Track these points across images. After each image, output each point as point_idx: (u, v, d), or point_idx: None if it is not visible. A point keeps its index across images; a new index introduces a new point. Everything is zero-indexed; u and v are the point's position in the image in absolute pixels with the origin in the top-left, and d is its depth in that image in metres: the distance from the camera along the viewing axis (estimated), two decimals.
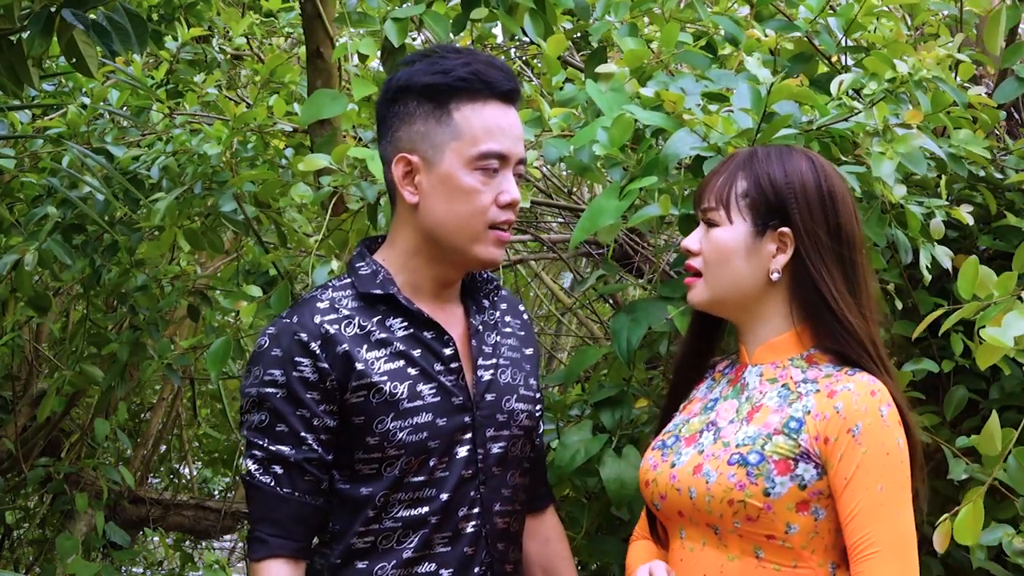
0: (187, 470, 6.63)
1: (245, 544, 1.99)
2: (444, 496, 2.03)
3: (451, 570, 2.03)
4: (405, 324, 2.05)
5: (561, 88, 2.54)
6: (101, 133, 3.40)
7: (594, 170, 2.36)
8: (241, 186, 3.03)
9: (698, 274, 2.03)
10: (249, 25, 3.97)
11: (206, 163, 3.11)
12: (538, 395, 2.23)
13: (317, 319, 2.01)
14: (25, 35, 2.48)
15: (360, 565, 2.02)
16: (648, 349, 2.74)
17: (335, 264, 2.51)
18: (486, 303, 2.16)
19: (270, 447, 1.99)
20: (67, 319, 5.00)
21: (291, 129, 3.42)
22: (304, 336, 1.99)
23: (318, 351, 1.98)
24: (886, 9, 2.71)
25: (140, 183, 3.23)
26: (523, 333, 2.23)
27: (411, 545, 2.02)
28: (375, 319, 2.03)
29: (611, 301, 3.99)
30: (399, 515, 2.02)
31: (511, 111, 2.04)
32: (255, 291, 2.74)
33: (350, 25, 2.70)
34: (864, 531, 1.86)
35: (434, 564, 2.03)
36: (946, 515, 1.71)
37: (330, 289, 2.07)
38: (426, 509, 2.02)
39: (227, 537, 6.37)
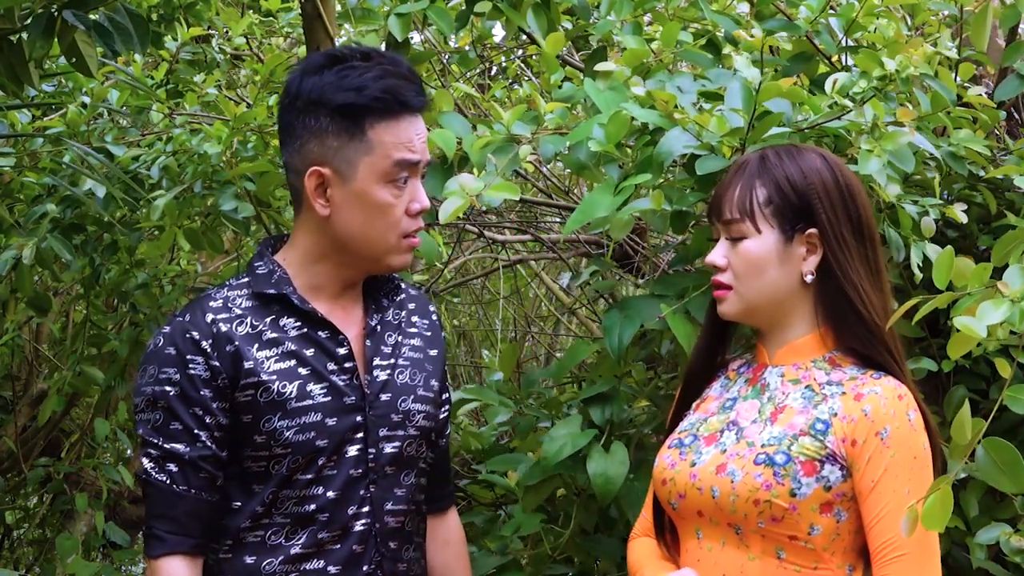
0: None
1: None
2: (332, 494, 2.04)
3: (339, 567, 2.04)
4: (299, 324, 2.06)
5: (559, 87, 2.54)
6: (101, 133, 3.40)
7: (591, 168, 2.36)
8: (241, 183, 3.03)
9: (727, 287, 2.01)
10: (248, 25, 3.97)
11: (206, 162, 3.11)
12: (444, 396, 2.25)
13: (209, 317, 2.03)
14: (26, 36, 2.48)
15: (248, 560, 2.04)
16: (645, 348, 2.74)
17: None
18: (385, 302, 2.17)
19: (164, 445, 2.01)
20: (67, 319, 5.00)
21: None
22: (196, 334, 2.01)
23: (209, 349, 2.00)
24: (887, 9, 2.70)
25: (140, 183, 3.23)
26: (429, 334, 2.23)
27: (299, 541, 2.03)
28: (268, 319, 2.05)
29: (609, 300, 4.00)
30: (288, 511, 2.03)
31: (419, 119, 2.06)
32: None
33: (354, 22, 2.70)
34: (890, 534, 1.87)
35: (322, 561, 2.04)
36: (912, 502, 1.75)
37: (226, 288, 2.09)
38: (314, 506, 2.03)
39: None
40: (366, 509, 2.06)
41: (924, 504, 1.72)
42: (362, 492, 2.06)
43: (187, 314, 2.05)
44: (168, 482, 2.01)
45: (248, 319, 2.04)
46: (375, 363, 2.10)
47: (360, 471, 2.06)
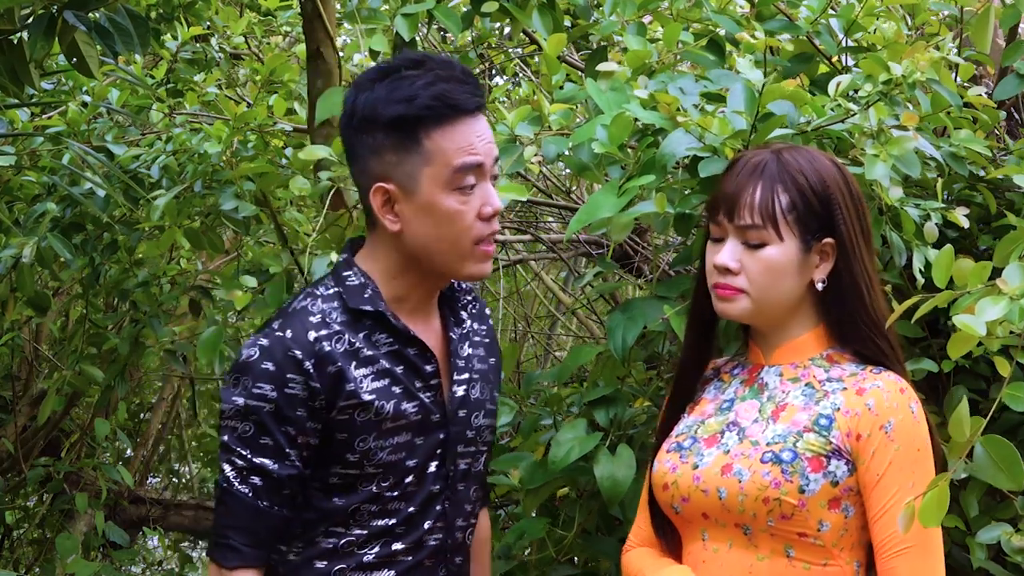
0: (187, 470, 6.63)
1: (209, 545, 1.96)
2: (411, 509, 2.03)
3: None
4: (390, 340, 2.02)
5: (561, 87, 2.54)
6: (101, 132, 3.40)
7: (592, 169, 2.36)
8: (241, 183, 3.03)
9: (736, 290, 1.96)
10: (248, 24, 3.97)
11: (206, 162, 3.11)
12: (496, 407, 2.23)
13: (311, 335, 1.96)
14: (26, 37, 2.49)
15: (319, 565, 2.03)
16: (646, 348, 2.74)
17: (334, 256, 2.50)
18: (464, 315, 2.13)
19: (252, 459, 1.97)
20: (66, 319, 5.00)
21: (291, 129, 3.42)
22: (299, 354, 1.95)
23: (311, 370, 1.95)
24: (887, 9, 2.71)
25: (140, 182, 3.23)
26: (488, 341, 2.20)
27: (373, 551, 2.02)
28: (362, 334, 2.01)
29: (609, 300, 4.00)
30: (366, 524, 2.02)
31: (479, 120, 1.98)
32: (251, 281, 2.73)
33: (360, 22, 2.70)
34: (894, 528, 1.86)
35: (392, 571, 2.03)
36: (910, 498, 1.75)
37: (320, 300, 2.03)
38: (393, 521, 2.02)
39: None
40: (440, 524, 2.06)
41: (921, 501, 1.72)
42: (438, 507, 2.05)
43: (287, 329, 1.98)
44: (251, 495, 1.97)
45: (345, 336, 1.98)
46: (454, 378, 2.07)
47: (438, 487, 2.05)
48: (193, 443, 6.57)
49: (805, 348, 2.01)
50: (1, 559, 5.32)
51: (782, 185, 1.93)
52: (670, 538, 2.09)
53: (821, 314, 2.01)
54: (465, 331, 2.13)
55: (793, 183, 1.93)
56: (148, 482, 6.13)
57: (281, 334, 1.98)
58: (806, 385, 1.98)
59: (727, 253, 1.96)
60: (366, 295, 2.01)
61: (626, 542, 2.16)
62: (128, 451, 5.87)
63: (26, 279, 3.16)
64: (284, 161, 3.22)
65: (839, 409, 1.93)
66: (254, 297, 2.74)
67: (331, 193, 2.71)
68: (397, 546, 2.03)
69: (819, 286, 1.97)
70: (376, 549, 2.02)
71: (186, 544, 6.28)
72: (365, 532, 2.01)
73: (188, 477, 6.65)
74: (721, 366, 2.13)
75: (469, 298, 2.16)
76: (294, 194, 2.94)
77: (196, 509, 5.69)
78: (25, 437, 5.01)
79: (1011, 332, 1.91)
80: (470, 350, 2.13)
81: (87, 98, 3.46)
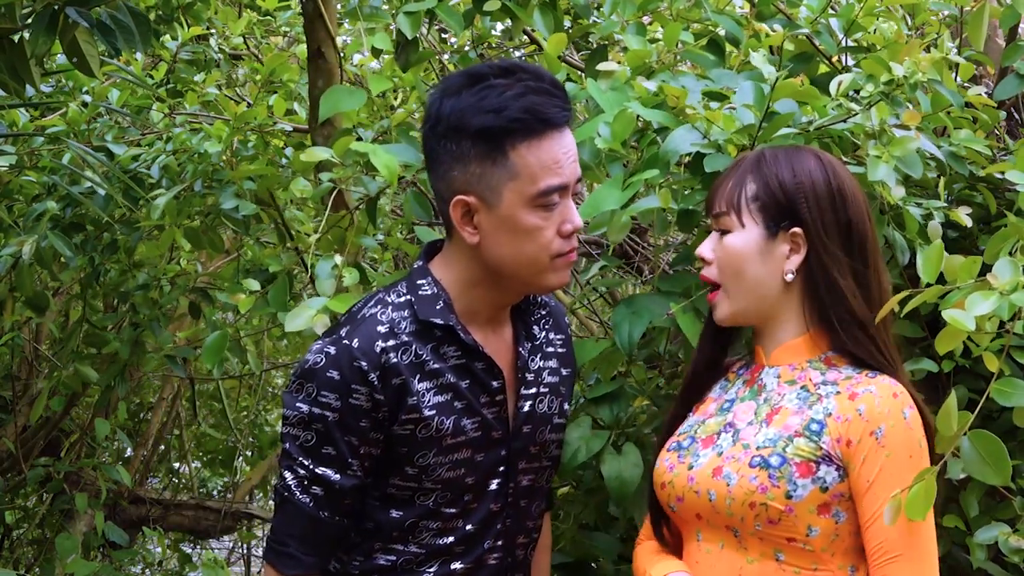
0: (186, 470, 6.63)
1: (264, 546, 1.93)
2: (470, 527, 2.02)
3: None
4: (459, 353, 2.00)
5: None
6: (101, 132, 3.40)
7: (594, 168, 2.36)
8: (242, 182, 3.03)
9: (716, 285, 2.02)
10: (247, 24, 3.97)
11: (207, 161, 3.11)
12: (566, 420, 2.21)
13: (378, 346, 1.95)
14: (27, 34, 2.49)
15: None
16: (647, 347, 2.74)
17: (338, 258, 2.49)
18: (536, 330, 2.11)
19: (315, 469, 1.96)
20: (66, 319, 5.00)
21: (291, 129, 3.42)
22: (364, 364, 1.93)
23: (376, 381, 1.93)
24: (887, 9, 2.71)
25: (140, 182, 3.23)
26: (564, 351, 2.18)
27: (431, 570, 2.02)
28: (430, 346, 1.98)
29: (609, 299, 4.00)
30: (425, 542, 2.01)
31: (566, 134, 1.95)
32: (253, 284, 2.73)
33: (362, 20, 2.70)
34: (885, 535, 1.86)
35: None
36: (896, 491, 1.74)
37: (390, 308, 2.00)
38: (452, 539, 2.02)
39: (226, 537, 6.38)
40: (500, 543, 2.05)
41: (908, 493, 1.72)
42: (499, 526, 2.05)
43: (354, 337, 1.96)
44: (312, 505, 1.97)
45: (413, 347, 1.97)
46: (521, 393, 2.06)
47: (499, 505, 2.04)
48: (193, 443, 6.57)
49: (801, 350, 2.01)
50: (1, 559, 5.32)
51: (752, 175, 1.99)
52: (668, 535, 2.09)
53: (808, 315, 2.00)
54: (537, 343, 2.11)
55: (762, 175, 1.99)
56: (148, 482, 6.13)
57: (348, 342, 1.96)
58: (801, 388, 1.98)
59: (705, 244, 2.04)
60: (438, 307, 1.99)
61: (639, 535, 2.17)
62: (128, 451, 5.87)
63: (26, 279, 3.16)
64: (284, 161, 3.22)
65: (831, 415, 1.92)
66: (256, 299, 2.74)
67: (332, 195, 2.71)
68: (456, 566, 2.02)
69: (787, 277, 1.97)
70: (434, 568, 2.01)
71: (186, 544, 6.28)
72: (423, 551, 2.01)
73: (188, 477, 6.64)
74: (731, 366, 2.14)
75: (543, 312, 2.14)
76: (294, 195, 2.94)
77: (196, 509, 5.70)
78: (25, 437, 5.01)
79: (1007, 331, 1.91)
80: (541, 362, 2.11)
81: (87, 98, 3.46)
